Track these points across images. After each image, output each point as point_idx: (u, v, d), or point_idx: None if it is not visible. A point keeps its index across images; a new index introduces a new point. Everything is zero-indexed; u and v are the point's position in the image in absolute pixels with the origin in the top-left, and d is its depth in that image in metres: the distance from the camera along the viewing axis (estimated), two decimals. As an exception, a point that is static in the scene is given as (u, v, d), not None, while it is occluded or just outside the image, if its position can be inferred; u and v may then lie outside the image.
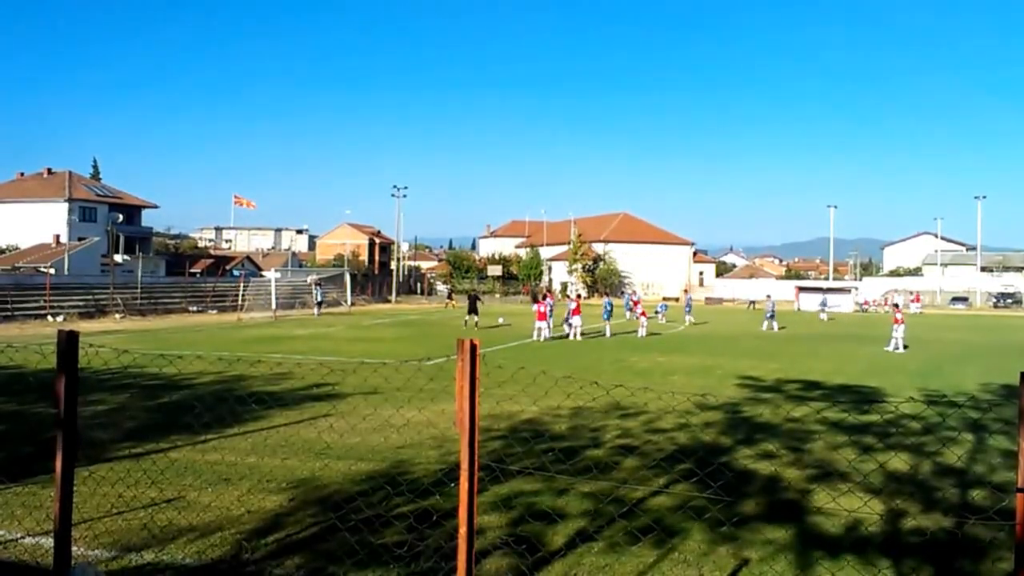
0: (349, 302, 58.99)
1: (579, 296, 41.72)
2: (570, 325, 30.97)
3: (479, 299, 39.42)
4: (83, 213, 75.15)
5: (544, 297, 32.26)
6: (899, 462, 9.01)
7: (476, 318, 36.37)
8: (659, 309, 44.51)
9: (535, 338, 28.58)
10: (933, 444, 10.22)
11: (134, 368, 14.88)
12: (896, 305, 34.79)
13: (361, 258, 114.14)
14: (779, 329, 37.63)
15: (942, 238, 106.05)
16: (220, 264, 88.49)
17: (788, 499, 7.83)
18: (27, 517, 6.75)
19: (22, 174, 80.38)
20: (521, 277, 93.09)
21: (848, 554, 6.20)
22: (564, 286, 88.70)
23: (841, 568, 5.93)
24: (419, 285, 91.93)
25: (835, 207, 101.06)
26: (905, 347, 26.79)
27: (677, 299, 59.24)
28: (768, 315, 39.28)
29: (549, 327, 29.23)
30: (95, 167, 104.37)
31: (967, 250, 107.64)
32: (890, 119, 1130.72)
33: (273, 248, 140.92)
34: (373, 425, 11.17)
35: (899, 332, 27.17)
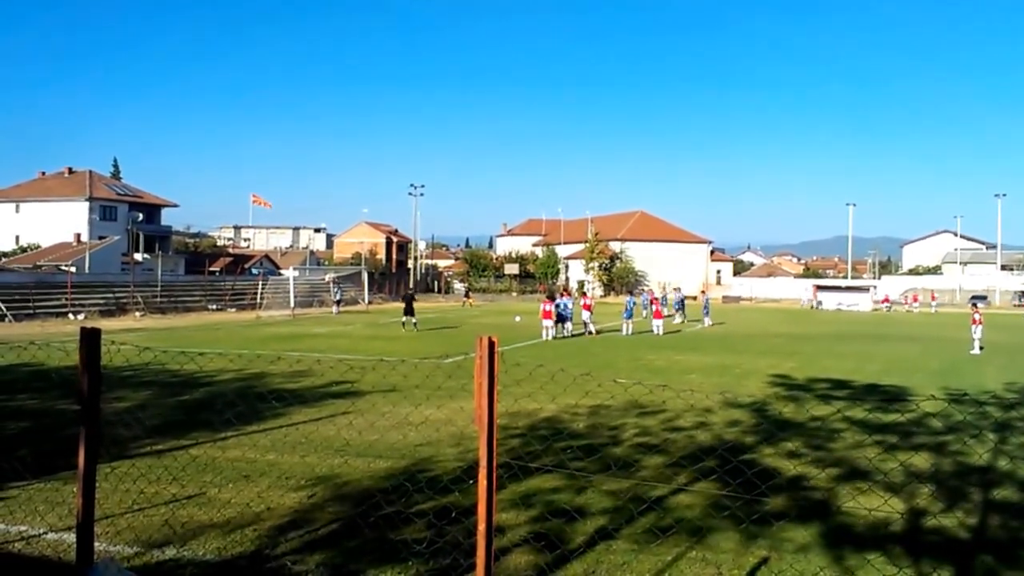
0: (367, 300, 59.14)
1: (584, 293, 43.75)
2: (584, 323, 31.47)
3: (415, 299, 36.88)
4: (104, 212, 75.85)
5: (551, 296, 32.05)
6: (922, 461, 8.92)
7: (413, 319, 33.55)
8: (676, 306, 41.72)
9: (544, 337, 28.40)
10: (956, 443, 10.11)
11: (155, 365, 15.04)
12: (975, 304, 31.84)
13: (378, 256, 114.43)
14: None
15: (962, 236, 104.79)
16: (239, 262, 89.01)
17: (810, 497, 7.76)
18: (50, 513, 6.82)
19: (43, 173, 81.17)
20: (538, 276, 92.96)
21: (870, 552, 6.13)
22: (581, 284, 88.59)
23: (863, 567, 5.87)
24: (436, 283, 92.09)
25: (854, 205, 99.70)
26: (981, 348, 25.21)
27: (695, 298, 58.66)
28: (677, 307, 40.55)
29: (555, 326, 29.07)
30: (115, 166, 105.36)
31: (987, 248, 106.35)
32: (910, 117, 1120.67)
33: (291, 247, 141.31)
34: (392, 422, 11.22)
35: (977, 333, 25.41)
